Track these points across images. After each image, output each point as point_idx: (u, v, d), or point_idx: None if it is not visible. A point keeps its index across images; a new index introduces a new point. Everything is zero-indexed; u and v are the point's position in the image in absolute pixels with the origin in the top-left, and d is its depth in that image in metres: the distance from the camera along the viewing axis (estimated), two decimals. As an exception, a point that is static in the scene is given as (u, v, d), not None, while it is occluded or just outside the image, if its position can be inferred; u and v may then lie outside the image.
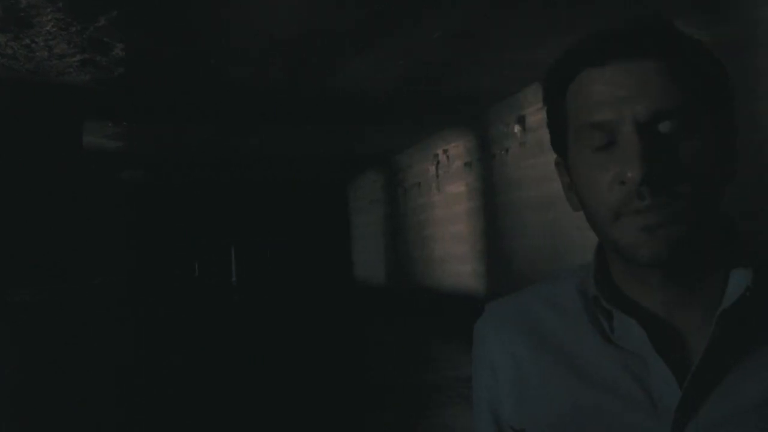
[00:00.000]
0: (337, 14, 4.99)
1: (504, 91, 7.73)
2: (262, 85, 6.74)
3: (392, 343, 10.22)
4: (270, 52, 5.72)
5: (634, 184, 0.80)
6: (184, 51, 5.59)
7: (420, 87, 7.26)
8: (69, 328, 5.97)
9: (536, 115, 7.78)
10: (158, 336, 11.24)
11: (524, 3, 5.00)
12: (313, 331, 11.52)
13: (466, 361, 1.22)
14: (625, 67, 0.84)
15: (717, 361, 0.85)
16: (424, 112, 8.73)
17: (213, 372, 8.36)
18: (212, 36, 5.32)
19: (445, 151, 10.62)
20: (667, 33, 0.88)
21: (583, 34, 0.89)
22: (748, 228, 0.97)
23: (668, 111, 0.82)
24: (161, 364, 8.87)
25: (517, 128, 7.99)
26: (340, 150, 12.15)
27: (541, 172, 7.58)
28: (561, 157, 0.95)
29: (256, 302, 16.52)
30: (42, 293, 5.77)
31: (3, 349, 5.57)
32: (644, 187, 0.80)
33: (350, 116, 8.89)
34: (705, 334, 0.85)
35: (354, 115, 8.84)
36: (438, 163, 10.96)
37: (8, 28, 4.88)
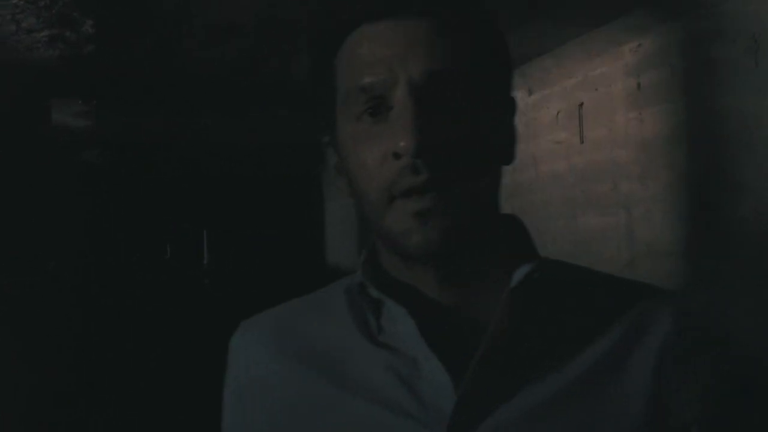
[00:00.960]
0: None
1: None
2: (235, 67, 6.67)
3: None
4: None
5: (409, 155, 0.70)
6: (154, 30, 5.51)
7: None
8: (16, 314, 5.88)
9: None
10: (118, 320, 11.11)
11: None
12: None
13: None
14: (400, 24, 0.73)
15: (499, 362, 0.74)
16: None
17: (177, 356, 8.30)
18: (179, 15, 5.24)
19: (418, 139, 10.64)
20: None
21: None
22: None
23: (446, 73, 0.73)
24: (119, 351, 8.76)
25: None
26: (311, 138, 12.10)
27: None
28: (329, 134, 0.83)
29: (228, 286, 16.43)
30: None
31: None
32: (420, 159, 0.70)
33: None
34: (487, 329, 0.74)
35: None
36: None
37: (-26, 1, 4.77)
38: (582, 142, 6.53)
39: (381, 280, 0.80)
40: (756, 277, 4.72)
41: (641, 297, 0.83)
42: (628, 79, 5.92)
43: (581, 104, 6.56)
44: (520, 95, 7.91)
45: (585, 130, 6.51)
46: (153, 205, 15.36)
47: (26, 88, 6.48)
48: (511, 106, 0.84)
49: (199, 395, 6.25)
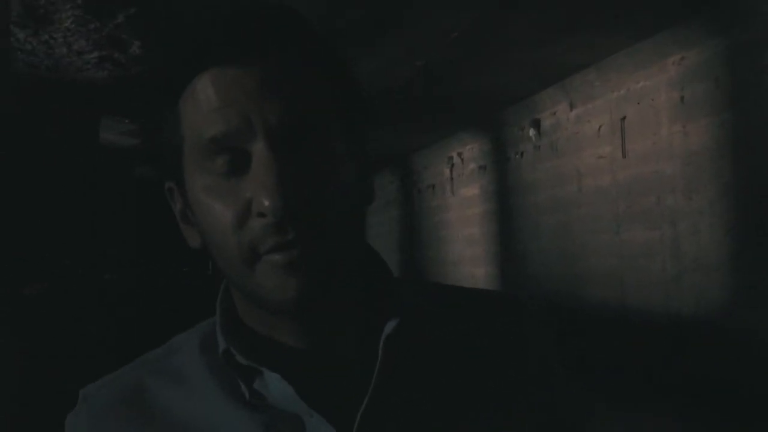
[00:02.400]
0: (347, 9, 5.00)
1: (519, 93, 7.71)
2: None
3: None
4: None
5: (275, 216, 0.65)
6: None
7: (435, 86, 7.25)
8: (77, 321, 6.01)
9: (551, 118, 7.75)
10: (165, 331, 11.23)
11: (538, 1, 4.98)
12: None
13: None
14: (251, 67, 0.67)
15: (384, 406, 0.71)
16: (439, 113, 8.73)
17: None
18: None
19: (459, 154, 10.61)
20: (296, 28, 0.72)
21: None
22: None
23: (303, 118, 0.67)
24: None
25: (532, 131, 7.96)
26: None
27: (555, 175, 7.55)
28: (173, 181, 0.75)
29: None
30: (55, 287, 5.81)
31: (10, 342, 5.61)
32: (286, 217, 0.65)
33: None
34: (366, 378, 0.71)
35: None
36: (452, 165, 10.94)
37: (27, 24, 4.92)
38: (624, 156, 6.48)
39: (245, 342, 0.74)
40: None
41: (497, 307, 0.83)
42: (671, 92, 5.87)
43: (624, 118, 6.51)
44: (561, 109, 7.89)
45: (628, 143, 6.45)
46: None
47: (78, 108, 6.66)
48: (365, 140, 0.78)
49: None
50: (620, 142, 6.56)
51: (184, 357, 0.78)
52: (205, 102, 0.68)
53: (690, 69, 5.67)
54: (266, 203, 0.64)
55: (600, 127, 6.90)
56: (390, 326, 0.72)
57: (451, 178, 11.00)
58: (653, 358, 5.97)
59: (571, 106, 7.37)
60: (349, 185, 0.71)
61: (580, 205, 7.18)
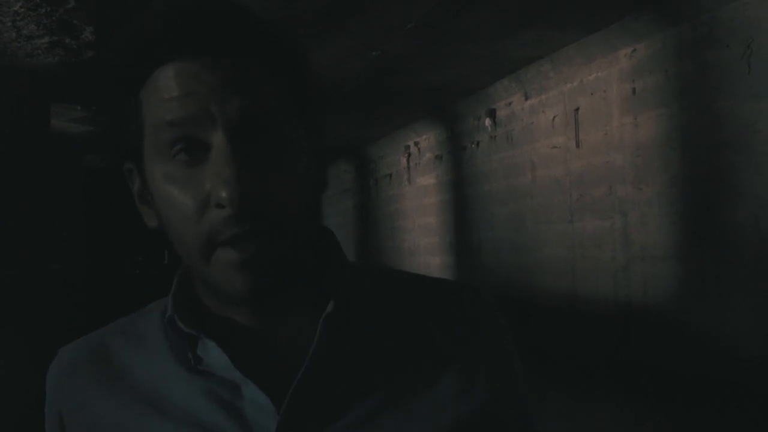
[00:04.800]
0: (300, 2, 4.99)
1: (475, 84, 7.77)
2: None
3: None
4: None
5: (232, 208, 0.67)
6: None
7: (391, 78, 7.27)
8: (25, 312, 5.90)
9: (506, 109, 7.82)
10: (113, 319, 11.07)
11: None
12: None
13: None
14: (214, 62, 0.70)
15: (319, 379, 0.75)
16: (395, 104, 8.74)
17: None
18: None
19: (416, 143, 10.65)
20: (252, 25, 0.74)
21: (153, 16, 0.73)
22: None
23: (263, 112, 0.70)
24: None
25: (487, 122, 8.03)
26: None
27: (510, 165, 7.64)
28: (133, 161, 0.78)
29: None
30: (3, 277, 5.70)
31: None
32: (244, 209, 0.67)
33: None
34: (306, 353, 0.74)
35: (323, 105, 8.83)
36: (409, 155, 10.98)
37: (-25, 8, 4.81)
38: (578, 146, 6.58)
39: (194, 312, 0.79)
40: (753, 280, 4.75)
41: (451, 295, 0.86)
42: (623, 84, 5.97)
43: (577, 109, 6.61)
44: (515, 100, 7.97)
45: (581, 134, 6.55)
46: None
47: (27, 94, 6.52)
48: (321, 131, 0.83)
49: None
50: (574, 132, 6.66)
51: (148, 321, 0.83)
52: (166, 91, 0.70)
53: (641, 61, 5.78)
54: (224, 195, 0.66)
55: (554, 117, 7.00)
56: (331, 305, 0.75)
57: (408, 168, 11.04)
58: (603, 346, 6.09)
59: (526, 97, 7.45)
60: (306, 177, 0.74)
61: (534, 195, 7.28)
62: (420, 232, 10.68)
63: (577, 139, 6.61)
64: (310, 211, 0.75)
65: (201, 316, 0.78)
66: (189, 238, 0.71)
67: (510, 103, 7.76)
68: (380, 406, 0.76)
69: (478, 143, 8.47)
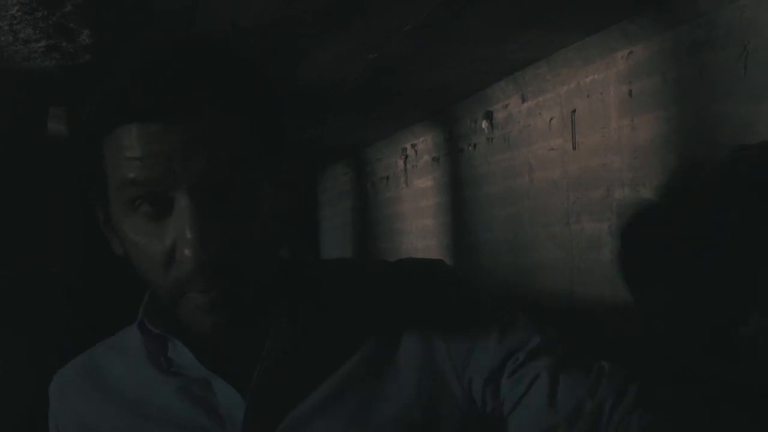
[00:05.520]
0: (300, 2, 4.99)
1: (472, 86, 7.78)
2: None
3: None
4: (235, 41, 5.69)
5: (194, 266, 0.70)
6: (153, 39, 5.54)
7: (390, 79, 7.27)
8: (23, 313, 5.90)
9: (503, 111, 7.83)
10: (116, 324, 11.08)
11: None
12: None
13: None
14: (173, 124, 0.69)
15: (279, 369, 0.80)
16: (393, 105, 8.75)
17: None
18: (178, 24, 5.28)
19: (413, 146, 10.66)
20: (223, 77, 0.73)
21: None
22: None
23: (227, 169, 0.70)
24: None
25: (484, 124, 8.04)
26: (308, 141, 12.12)
27: (508, 167, 7.65)
28: (97, 191, 0.79)
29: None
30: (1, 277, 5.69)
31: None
32: (206, 266, 0.70)
33: (317, 107, 8.88)
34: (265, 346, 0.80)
35: (320, 107, 8.83)
36: (406, 157, 10.99)
37: (-29, 12, 4.80)
38: (575, 148, 6.58)
39: (164, 318, 0.84)
40: (753, 283, 4.76)
41: (401, 273, 0.89)
42: (620, 86, 5.98)
43: (574, 111, 6.62)
44: (513, 102, 7.97)
45: (578, 136, 6.56)
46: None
47: (24, 97, 6.51)
48: (290, 168, 0.85)
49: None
50: (571, 135, 6.67)
51: (131, 334, 0.91)
52: (128, 150, 0.71)
53: (638, 63, 5.79)
54: (186, 253, 0.70)
55: (551, 119, 7.01)
56: (285, 300, 0.81)
57: (405, 170, 11.04)
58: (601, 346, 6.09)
59: (523, 99, 7.46)
60: (271, 230, 0.77)
61: (532, 197, 7.29)
62: (418, 234, 10.69)
63: (573, 141, 6.62)
64: (274, 255, 0.79)
65: (171, 323, 0.83)
66: (157, 283, 0.76)
67: (507, 106, 7.78)
68: (343, 387, 0.81)
69: (475, 145, 8.48)
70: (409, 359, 0.82)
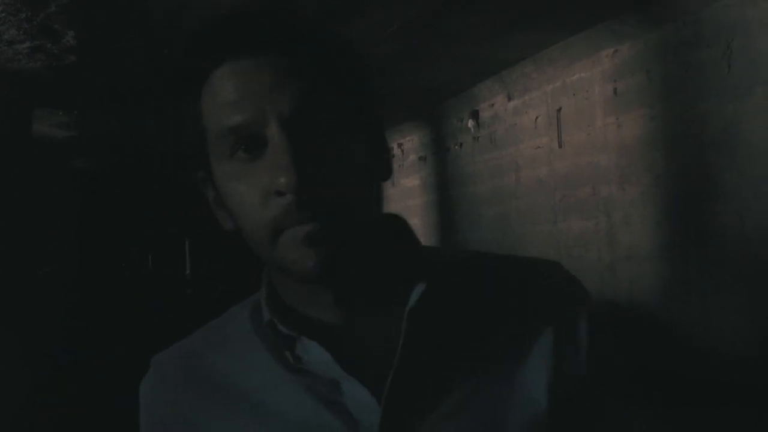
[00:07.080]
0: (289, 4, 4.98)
1: (458, 85, 7.79)
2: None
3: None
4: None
5: (292, 193, 0.71)
6: (137, 39, 5.52)
7: (376, 80, 7.26)
8: (17, 313, 5.87)
9: (489, 110, 7.85)
10: (107, 325, 11.06)
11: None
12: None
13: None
14: (264, 61, 0.73)
15: (413, 370, 0.77)
16: (385, 104, 8.74)
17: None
18: (165, 24, 5.26)
19: (399, 145, 10.66)
20: (301, 23, 0.79)
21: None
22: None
23: (314, 105, 0.74)
24: (102, 360, 8.74)
25: (471, 123, 8.06)
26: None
27: (494, 166, 7.67)
28: (203, 169, 0.81)
29: (210, 296, 16.32)
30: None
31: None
32: (303, 194, 0.71)
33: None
34: (397, 345, 0.77)
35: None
36: (393, 156, 10.99)
37: (-45, 13, 4.77)
38: (560, 146, 6.61)
39: (285, 314, 0.81)
40: (736, 280, 4.79)
41: (530, 273, 0.87)
42: (605, 85, 6.01)
43: (560, 109, 6.64)
44: (499, 101, 8.00)
45: (564, 135, 6.59)
46: (136, 215, 15.27)
47: (9, 98, 6.46)
48: (379, 123, 0.86)
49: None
50: (557, 133, 6.69)
51: (235, 325, 0.87)
52: (223, 95, 0.74)
53: (623, 62, 5.82)
54: (282, 181, 0.70)
55: (537, 118, 7.03)
56: (414, 297, 0.78)
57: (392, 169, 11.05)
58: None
59: (509, 98, 7.48)
60: (360, 165, 0.77)
61: (519, 196, 7.31)
62: (405, 233, 10.68)
63: (559, 139, 6.65)
64: (367, 197, 0.78)
65: (294, 319, 0.81)
66: (256, 227, 0.75)
67: (493, 104, 7.79)
68: (476, 389, 0.79)
69: (461, 144, 8.49)
70: (535, 360, 0.80)
